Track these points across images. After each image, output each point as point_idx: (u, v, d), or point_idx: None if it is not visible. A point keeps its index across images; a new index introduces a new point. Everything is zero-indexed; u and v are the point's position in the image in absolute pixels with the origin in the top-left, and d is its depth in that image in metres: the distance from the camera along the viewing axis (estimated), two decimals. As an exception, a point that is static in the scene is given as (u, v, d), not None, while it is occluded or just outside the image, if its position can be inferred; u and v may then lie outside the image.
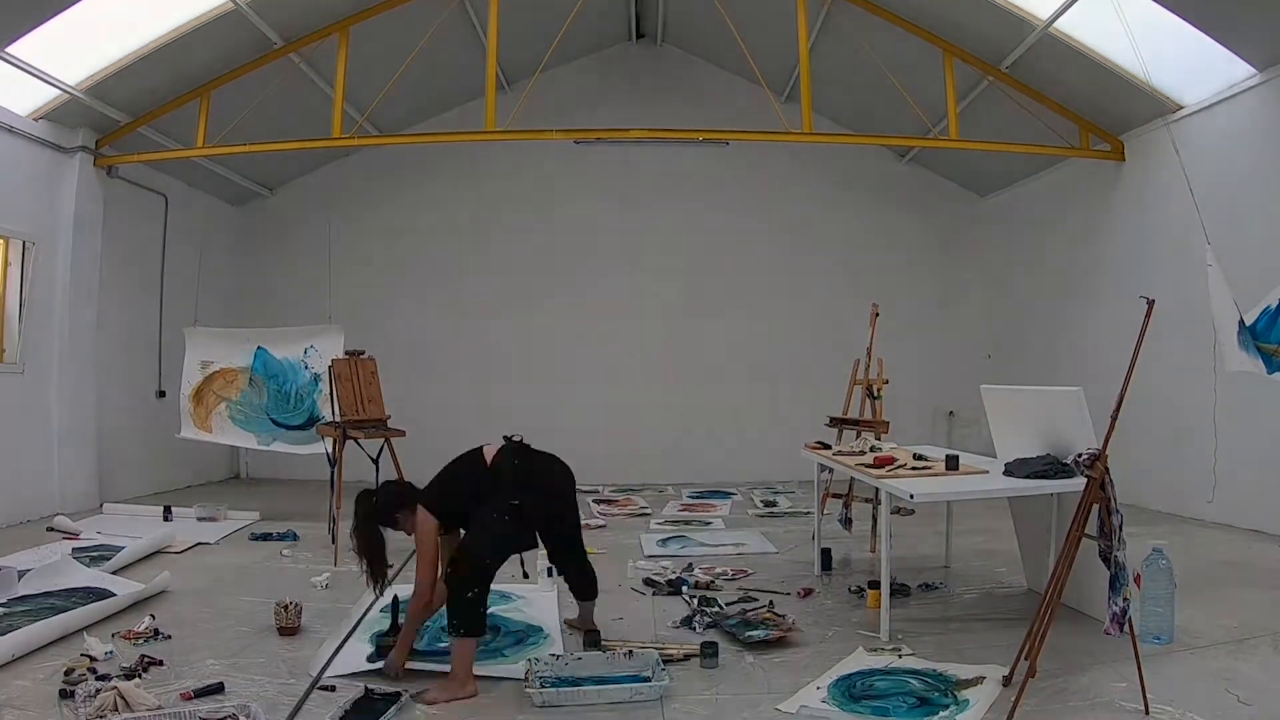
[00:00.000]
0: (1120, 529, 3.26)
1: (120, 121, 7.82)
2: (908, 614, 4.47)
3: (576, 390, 10.31)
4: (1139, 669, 3.14)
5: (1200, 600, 4.47)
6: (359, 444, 6.17)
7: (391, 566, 5.51)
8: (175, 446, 8.17)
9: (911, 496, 3.98)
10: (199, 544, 6.29)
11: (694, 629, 4.20)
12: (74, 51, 6.81)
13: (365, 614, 4.44)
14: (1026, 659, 3.17)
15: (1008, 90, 8.08)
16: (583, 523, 7.52)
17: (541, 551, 5.13)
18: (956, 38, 7.90)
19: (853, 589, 4.97)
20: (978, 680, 3.44)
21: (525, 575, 4.31)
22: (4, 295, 7.23)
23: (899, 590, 4.74)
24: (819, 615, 4.51)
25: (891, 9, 7.97)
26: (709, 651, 3.71)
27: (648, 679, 3.43)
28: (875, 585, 4.39)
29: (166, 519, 7.06)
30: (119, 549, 5.68)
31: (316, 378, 7.42)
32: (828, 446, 5.58)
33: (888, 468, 4.48)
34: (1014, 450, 4.19)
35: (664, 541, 6.56)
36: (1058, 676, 3.43)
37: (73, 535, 6.46)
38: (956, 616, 4.56)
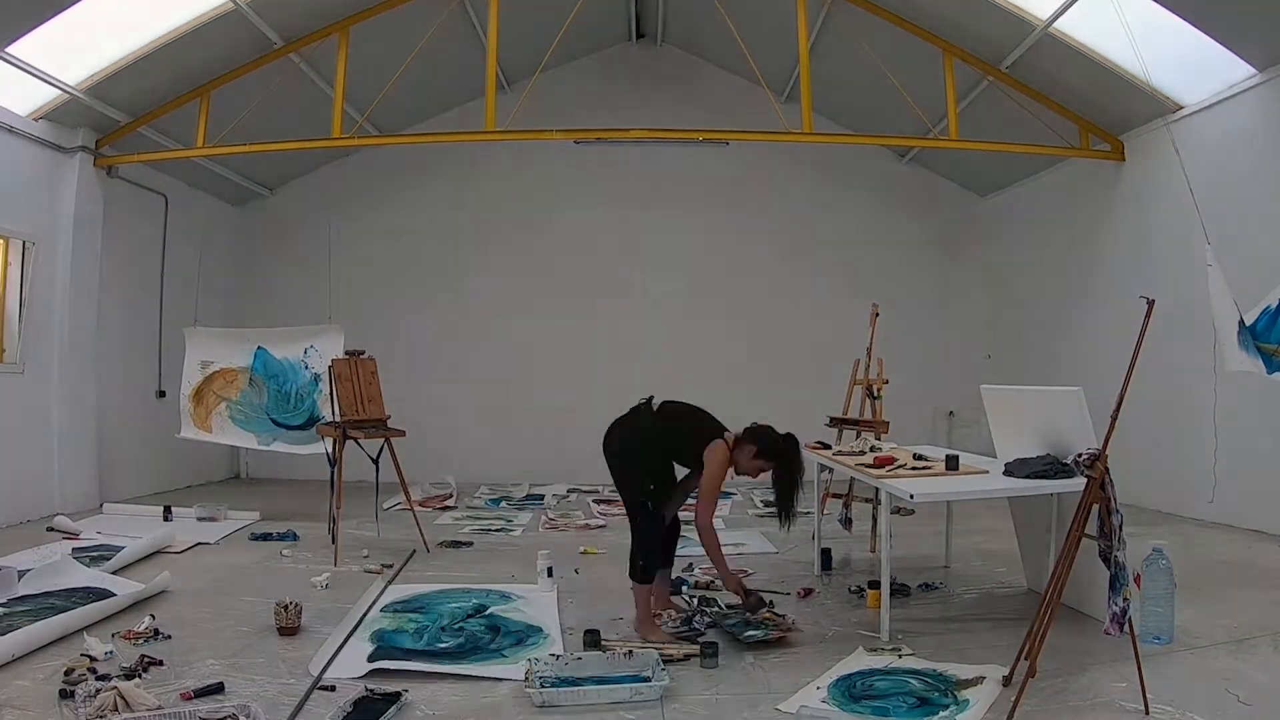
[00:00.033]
0: (1120, 529, 3.26)
1: (120, 121, 7.82)
2: (908, 614, 4.47)
3: (576, 390, 10.29)
4: (1139, 669, 3.14)
5: (1200, 600, 4.47)
6: (359, 444, 6.16)
7: (391, 566, 5.56)
8: (175, 446, 8.17)
9: (911, 496, 3.98)
10: (199, 544, 6.29)
11: (696, 628, 4.19)
12: (74, 51, 6.80)
13: (366, 614, 4.44)
14: (1026, 659, 3.17)
15: (1008, 90, 8.08)
16: (583, 523, 7.60)
17: (542, 551, 5.17)
18: (956, 38, 7.90)
19: (853, 589, 4.97)
20: (978, 680, 3.44)
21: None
22: (4, 295, 7.23)
23: (899, 590, 4.74)
24: (819, 615, 4.51)
25: (891, 9, 7.97)
26: (709, 651, 3.71)
27: (648, 679, 3.43)
28: (875, 585, 4.39)
29: (166, 519, 7.06)
30: (119, 549, 5.67)
31: (316, 378, 7.42)
32: (828, 446, 5.58)
33: (888, 468, 4.48)
34: (1014, 450, 4.19)
35: (664, 541, 6.55)
36: (1058, 676, 3.43)
37: (73, 535, 6.46)
38: (956, 616, 4.56)
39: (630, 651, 3.65)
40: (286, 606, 4.16)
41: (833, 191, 10.65)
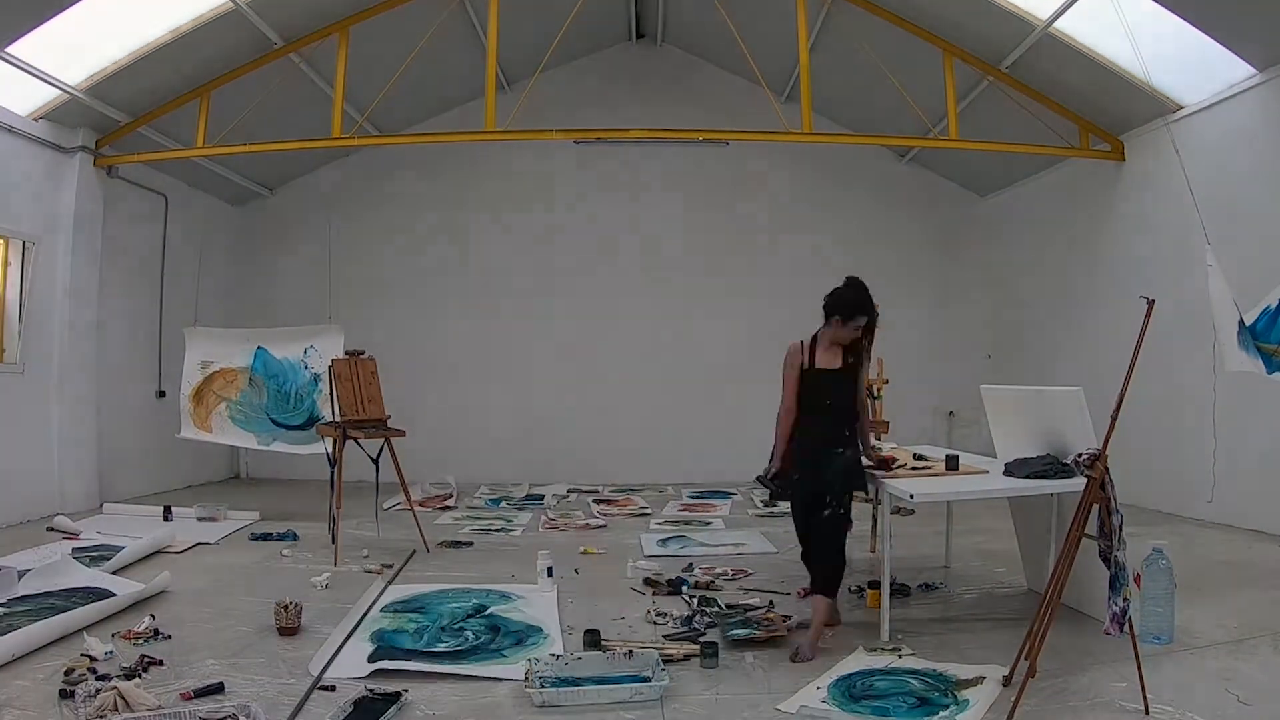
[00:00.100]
0: (1120, 529, 3.26)
1: (120, 121, 7.82)
2: (908, 614, 4.47)
3: (577, 390, 10.31)
4: (1139, 669, 3.14)
5: (1200, 600, 4.47)
6: (359, 444, 6.16)
7: (391, 566, 5.56)
8: (175, 446, 8.17)
9: (911, 496, 3.98)
10: (199, 544, 6.30)
11: (696, 628, 4.19)
12: (74, 51, 6.81)
13: (366, 614, 4.44)
14: (1026, 659, 3.17)
15: (1008, 90, 8.08)
16: (583, 523, 7.59)
17: (542, 551, 5.17)
18: (956, 38, 7.90)
19: (853, 589, 4.96)
20: (978, 680, 3.45)
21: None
22: (4, 295, 7.23)
23: (899, 590, 4.74)
24: (819, 615, 4.50)
25: (891, 9, 7.97)
26: (709, 651, 3.71)
27: (648, 679, 3.43)
28: (875, 585, 4.39)
29: (166, 519, 7.06)
30: (119, 549, 5.68)
31: (316, 378, 7.42)
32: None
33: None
34: (1014, 450, 4.20)
35: (664, 541, 6.56)
36: (1058, 676, 3.43)
37: (73, 535, 6.46)
38: (956, 616, 4.56)
39: (630, 651, 3.65)
40: (286, 606, 4.16)
41: (833, 191, 10.65)
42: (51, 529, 6.65)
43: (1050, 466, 3.88)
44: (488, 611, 4.52)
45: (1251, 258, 6.01)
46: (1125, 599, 3.23)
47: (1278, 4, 5.69)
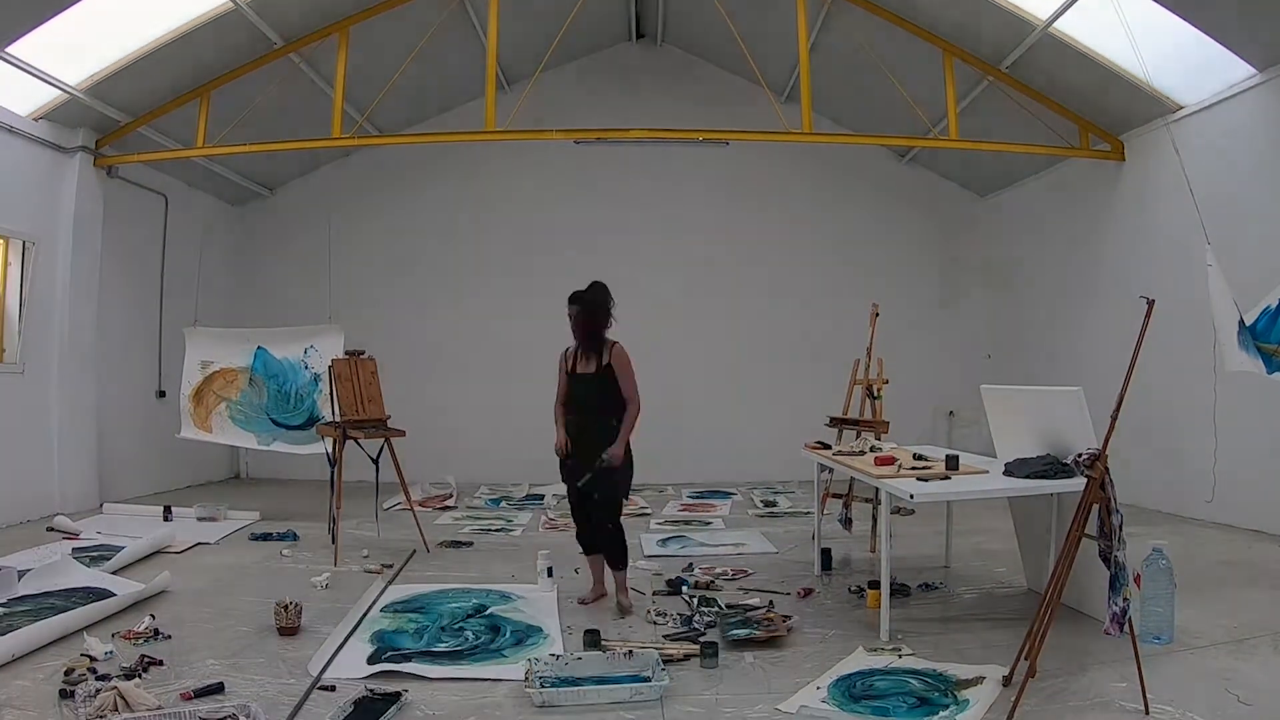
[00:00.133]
0: (1120, 529, 3.26)
1: (120, 121, 7.82)
2: (908, 614, 4.47)
3: (576, 390, 10.30)
4: (1139, 669, 3.14)
5: (1200, 600, 4.47)
6: (359, 444, 6.17)
7: (391, 566, 5.56)
8: (175, 446, 8.17)
9: (911, 496, 3.98)
10: (199, 544, 6.30)
11: (696, 628, 4.19)
12: (74, 51, 6.81)
13: (366, 614, 4.44)
14: (1026, 659, 3.17)
15: (1008, 90, 8.08)
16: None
17: (542, 551, 5.17)
18: (956, 38, 7.90)
19: (853, 589, 4.97)
20: (978, 680, 3.45)
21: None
22: (4, 295, 7.24)
23: (899, 590, 4.74)
24: (819, 615, 4.51)
25: (891, 9, 7.97)
26: (709, 651, 3.71)
27: (648, 679, 3.43)
28: (875, 585, 4.39)
29: (166, 519, 7.07)
30: (119, 549, 5.68)
31: (316, 378, 7.43)
32: (828, 446, 5.58)
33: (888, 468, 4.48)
34: (1014, 450, 4.19)
35: (664, 541, 6.56)
36: (1058, 676, 3.43)
37: (73, 535, 6.46)
38: (956, 616, 4.56)
39: (630, 651, 3.65)
40: (286, 606, 4.17)
41: (833, 191, 10.64)
42: (51, 529, 6.65)
43: (1050, 466, 3.88)
44: (488, 611, 4.53)
45: (1251, 258, 6.01)
46: (1125, 599, 3.24)
47: (1278, 4, 5.69)
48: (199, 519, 7.14)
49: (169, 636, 4.04)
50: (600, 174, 10.32)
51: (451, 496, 8.69)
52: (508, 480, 9.77)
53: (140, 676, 3.44)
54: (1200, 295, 5.51)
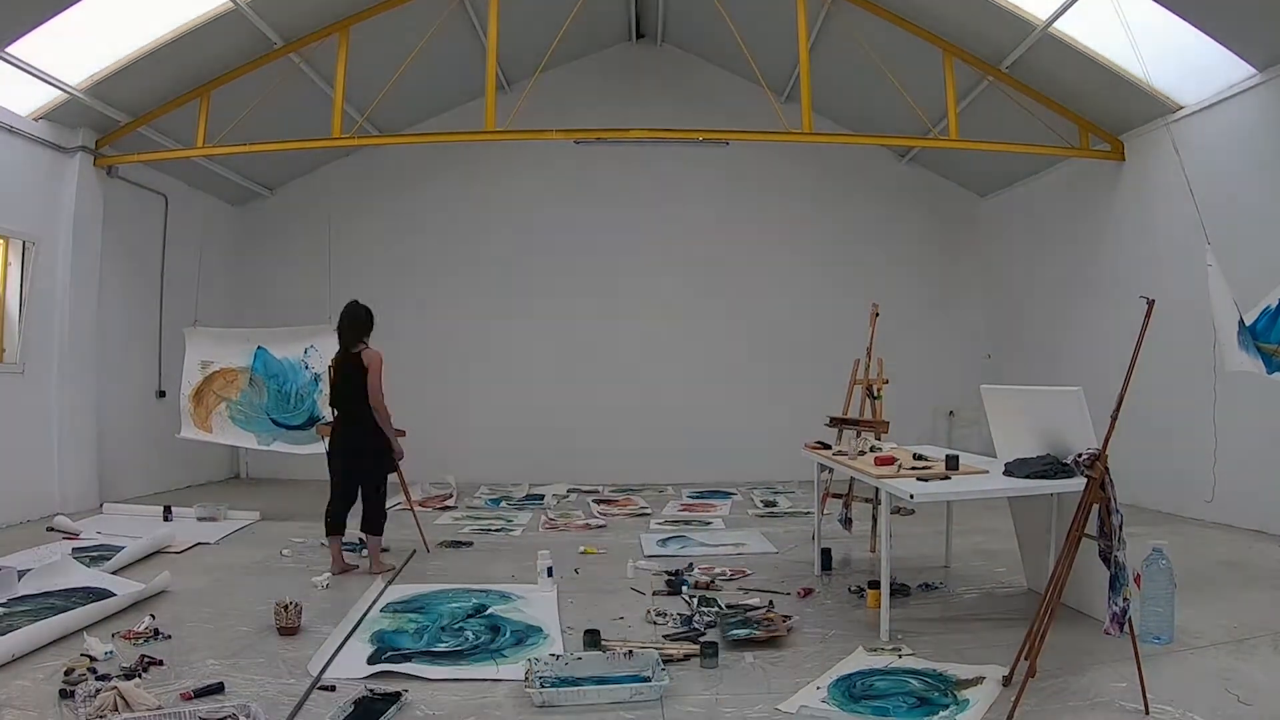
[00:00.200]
0: (1120, 529, 3.27)
1: (120, 121, 7.82)
2: (908, 614, 4.47)
3: (577, 390, 10.31)
4: (1139, 669, 3.14)
5: (1200, 600, 4.47)
6: (359, 444, 6.16)
7: (393, 568, 5.56)
8: (175, 446, 8.18)
9: (911, 496, 3.98)
10: (199, 544, 6.30)
11: (696, 628, 4.19)
12: (74, 51, 6.81)
13: (366, 614, 4.44)
14: (1026, 659, 3.17)
15: (1008, 90, 8.08)
16: (583, 522, 7.60)
17: (542, 551, 5.18)
18: (956, 38, 7.90)
19: (853, 589, 4.97)
20: (978, 680, 3.44)
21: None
22: (4, 295, 7.24)
23: (899, 590, 4.74)
24: (819, 615, 4.51)
25: (891, 9, 7.98)
26: (709, 651, 3.71)
27: (648, 679, 3.43)
28: (875, 585, 4.39)
29: (166, 519, 7.07)
30: (119, 549, 5.68)
31: (317, 378, 7.43)
32: (828, 446, 5.58)
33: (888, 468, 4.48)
34: (1014, 450, 4.19)
35: (664, 541, 6.56)
36: (1058, 676, 3.43)
37: (73, 535, 6.46)
38: (956, 616, 4.56)
39: (630, 651, 3.65)
40: (286, 606, 4.16)
41: (833, 191, 10.65)
42: (51, 529, 6.65)
43: (1050, 466, 3.88)
44: (488, 611, 4.53)
45: (1251, 258, 6.01)
46: (1125, 599, 3.24)
47: (1278, 4, 5.69)
48: (199, 519, 7.14)
49: (169, 636, 4.04)
50: (600, 174, 10.32)
51: (451, 496, 8.69)
52: (508, 480, 9.78)
53: (140, 676, 3.44)
54: (1200, 295, 5.51)
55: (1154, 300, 3.22)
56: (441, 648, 3.94)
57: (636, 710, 3.23)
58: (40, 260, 7.40)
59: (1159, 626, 3.90)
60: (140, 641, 3.94)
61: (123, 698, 3.04)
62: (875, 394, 6.46)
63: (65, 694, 3.26)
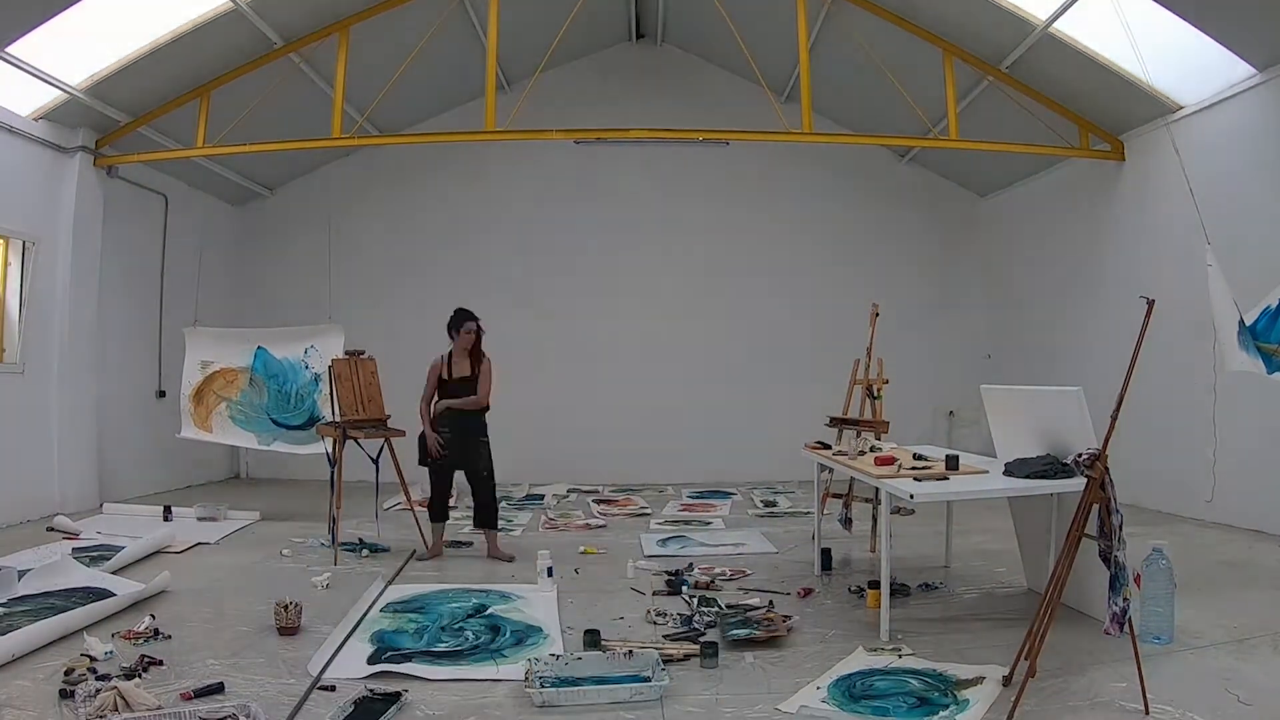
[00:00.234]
0: (1120, 529, 3.26)
1: (120, 121, 7.82)
2: (908, 614, 4.47)
3: (577, 390, 10.31)
4: (1139, 669, 3.14)
5: (1200, 600, 4.47)
6: (359, 444, 6.17)
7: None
8: (175, 446, 8.18)
9: (911, 496, 3.98)
10: (199, 544, 6.30)
11: (696, 628, 4.19)
12: (74, 51, 6.81)
13: (366, 614, 4.44)
14: (1026, 659, 3.17)
15: (1008, 90, 8.08)
16: (583, 523, 7.60)
17: (542, 551, 5.18)
18: (956, 38, 7.90)
19: (853, 589, 4.97)
20: (978, 680, 3.45)
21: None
22: (4, 295, 7.24)
23: (899, 590, 4.74)
24: (819, 615, 4.51)
25: (891, 9, 7.97)
26: (709, 651, 3.71)
27: (648, 679, 3.43)
28: (875, 585, 4.39)
29: (166, 519, 7.07)
30: (119, 549, 5.68)
31: (317, 378, 7.43)
32: (828, 446, 5.58)
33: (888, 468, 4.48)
34: (1014, 450, 4.19)
35: (664, 541, 6.56)
36: (1058, 676, 3.43)
37: (73, 535, 6.46)
38: (956, 616, 4.56)
39: (630, 651, 3.65)
40: (286, 606, 4.16)
41: (833, 191, 10.64)
42: (51, 529, 6.65)
43: (1050, 466, 3.88)
44: (488, 611, 4.53)
45: (1251, 258, 6.01)
46: (1125, 599, 3.24)
47: (1278, 4, 5.69)
48: (199, 519, 7.14)
49: (169, 636, 4.03)
50: (600, 174, 10.32)
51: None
52: (508, 480, 9.75)
53: (140, 676, 3.44)
54: (1200, 295, 5.51)
55: (1154, 300, 3.22)
56: (441, 648, 3.95)
57: (636, 710, 3.23)
58: (40, 260, 7.40)
59: (1159, 626, 3.90)
60: (140, 641, 3.94)
61: (123, 698, 3.04)
62: (875, 394, 6.46)
63: (65, 694, 3.26)
